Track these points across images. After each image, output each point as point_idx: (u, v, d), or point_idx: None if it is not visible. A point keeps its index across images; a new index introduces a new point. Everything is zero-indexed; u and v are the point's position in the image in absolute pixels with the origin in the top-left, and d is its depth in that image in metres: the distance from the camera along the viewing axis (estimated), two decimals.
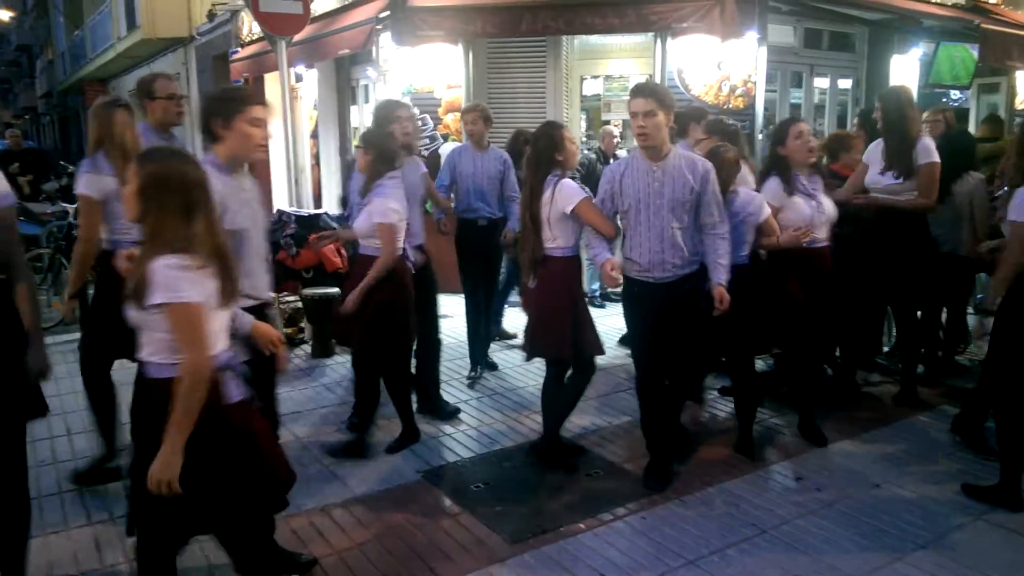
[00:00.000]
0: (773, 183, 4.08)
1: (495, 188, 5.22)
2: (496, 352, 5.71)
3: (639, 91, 3.50)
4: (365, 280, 3.79)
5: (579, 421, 4.47)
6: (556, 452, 3.95)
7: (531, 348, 3.88)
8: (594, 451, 4.11)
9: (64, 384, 5.12)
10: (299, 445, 4.17)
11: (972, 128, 9.31)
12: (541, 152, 3.72)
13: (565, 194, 3.64)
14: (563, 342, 3.73)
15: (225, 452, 2.15)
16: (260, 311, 2.85)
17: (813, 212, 4.04)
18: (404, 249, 4.00)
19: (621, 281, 3.62)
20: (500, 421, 4.55)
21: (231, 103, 2.77)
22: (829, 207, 4.14)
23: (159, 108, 3.77)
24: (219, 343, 2.21)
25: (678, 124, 4.53)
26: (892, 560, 3.08)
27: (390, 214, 3.79)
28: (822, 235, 4.09)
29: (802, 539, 3.23)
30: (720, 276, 3.57)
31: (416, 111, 4.81)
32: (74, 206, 7.47)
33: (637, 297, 3.65)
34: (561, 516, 3.43)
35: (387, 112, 4.39)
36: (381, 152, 3.87)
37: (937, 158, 4.33)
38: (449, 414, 4.59)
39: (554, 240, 3.71)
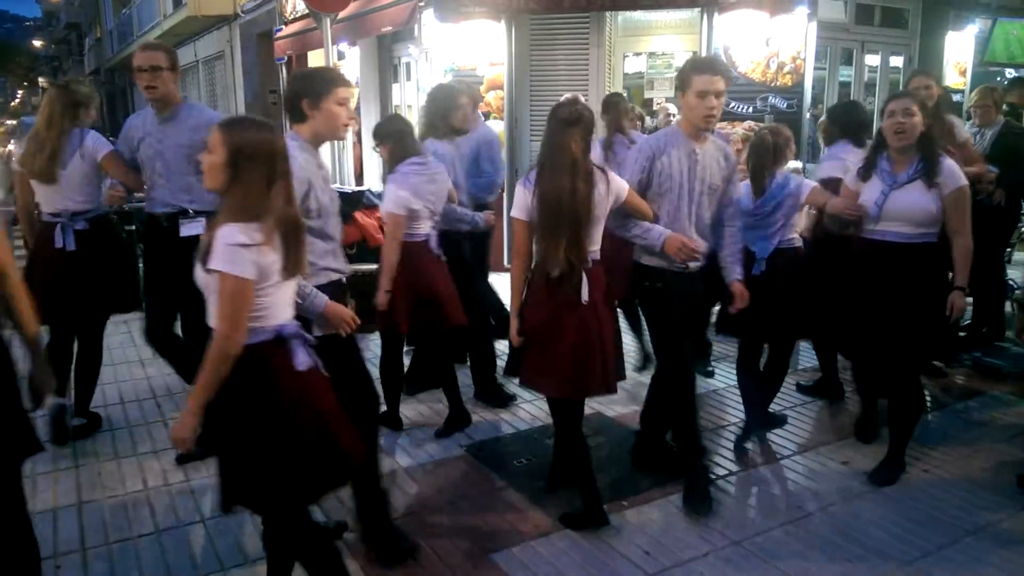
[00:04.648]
0: None
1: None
2: None
3: (714, 68, 3.18)
4: (381, 271, 3.74)
5: (619, 399, 4.47)
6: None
7: (617, 374, 3.19)
8: (636, 429, 4.11)
9: (116, 354, 5.26)
10: None
11: None
12: (587, 136, 3.06)
13: (619, 183, 3.13)
14: (621, 360, 3.27)
15: (287, 419, 2.16)
16: (340, 284, 2.89)
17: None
18: (428, 236, 3.84)
19: (700, 251, 3.24)
20: (543, 397, 4.55)
21: (321, 83, 2.73)
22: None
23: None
24: (284, 313, 2.23)
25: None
26: (941, 546, 3.03)
27: (398, 203, 3.68)
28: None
29: (849, 522, 3.20)
30: (737, 272, 3.44)
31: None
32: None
33: (667, 292, 3.30)
34: (604, 492, 3.42)
35: (448, 101, 4.34)
36: (396, 142, 3.81)
37: None
38: (505, 399, 4.50)
39: (596, 242, 3.09)
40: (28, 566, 2.28)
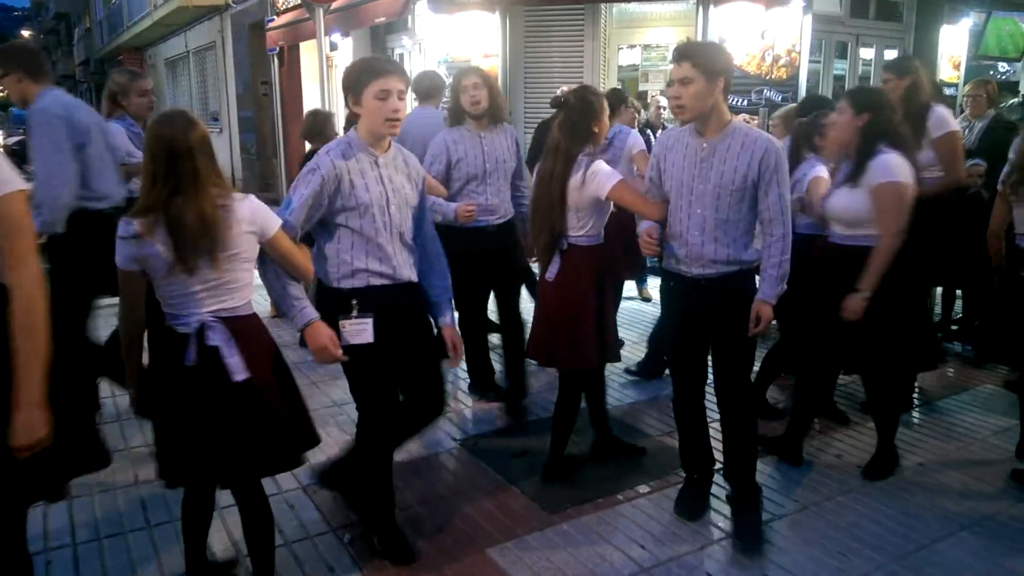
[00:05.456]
0: None
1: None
2: None
3: (677, 54, 2.82)
4: None
5: (618, 393, 4.46)
6: (562, 467, 3.54)
7: (547, 356, 3.34)
8: (632, 423, 4.10)
9: None
10: (336, 411, 4.23)
11: None
12: (577, 122, 3.13)
13: (599, 181, 3.08)
14: (588, 351, 3.25)
15: (187, 408, 2.27)
16: (402, 291, 2.73)
17: None
18: None
19: (658, 251, 3.03)
20: (537, 392, 4.54)
21: (359, 75, 2.55)
22: None
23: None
24: (195, 307, 2.27)
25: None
26: (936, 540, 3.04)
27: None
28: None
29: (844, 516, 3.20)
30: (766, 291, 2.89)
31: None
32: None
33: (670, 296, 3.14)
34: (599, 487, 3.43)
35: (455, 84, 4.06)
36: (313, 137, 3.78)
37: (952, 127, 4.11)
38: (497, 396, 4.42)
39: (581, 228, 3.19)
40: None
